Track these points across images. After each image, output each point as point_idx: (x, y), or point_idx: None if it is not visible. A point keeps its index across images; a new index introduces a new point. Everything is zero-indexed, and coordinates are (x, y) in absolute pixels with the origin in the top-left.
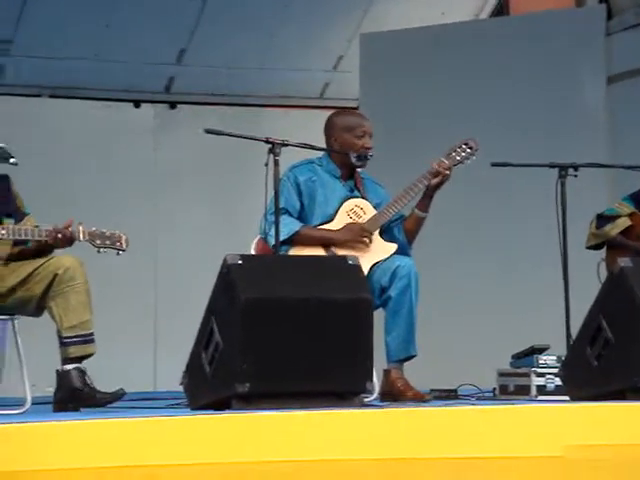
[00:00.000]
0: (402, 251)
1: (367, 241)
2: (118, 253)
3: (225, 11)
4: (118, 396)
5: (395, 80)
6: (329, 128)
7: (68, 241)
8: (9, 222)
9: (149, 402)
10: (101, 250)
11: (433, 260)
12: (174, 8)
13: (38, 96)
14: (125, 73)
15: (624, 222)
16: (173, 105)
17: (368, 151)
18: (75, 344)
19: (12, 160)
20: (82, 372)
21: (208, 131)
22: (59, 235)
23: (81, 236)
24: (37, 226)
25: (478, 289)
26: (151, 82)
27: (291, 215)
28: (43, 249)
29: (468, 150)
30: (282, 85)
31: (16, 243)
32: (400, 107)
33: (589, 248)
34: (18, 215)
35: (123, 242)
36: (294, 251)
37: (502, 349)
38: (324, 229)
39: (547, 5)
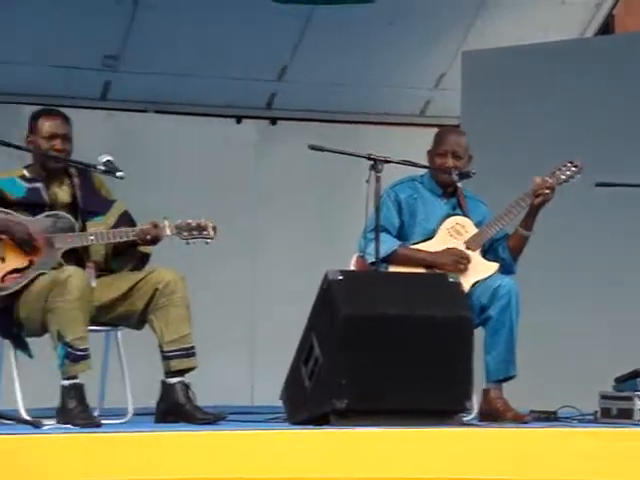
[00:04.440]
0: (507, 269)
1: (463, 267)
2: (207, 242)
3: (328, 29)
4: (219, 418)
5: (497, 98)
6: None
7: (155, 240)
8: (98, 221)
9: (247, 416)
10: (190, 241)
11: (534, 280)
12: (277, 26)
13: (144, 111)
14: (227, 89)
15: None
16: (274, 121)
17: (447, 170)
18: (176, 357)
19: (119, 174)
20: (186, 386)
21: (312, 147)
22: (148, 237)
23: (168, 231)
24: (130, 219)
25: (579, 310)
26: (252, 98)
27: (390, 233)
28: (132, 244)
29: (573, 169)
30: (383, 102)
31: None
32: (502, 125)
33: None
34: (105, 207)
35: (210, 230)
36: (392, 270)
37: (604, 371)
38: (422, 250)
39: None
